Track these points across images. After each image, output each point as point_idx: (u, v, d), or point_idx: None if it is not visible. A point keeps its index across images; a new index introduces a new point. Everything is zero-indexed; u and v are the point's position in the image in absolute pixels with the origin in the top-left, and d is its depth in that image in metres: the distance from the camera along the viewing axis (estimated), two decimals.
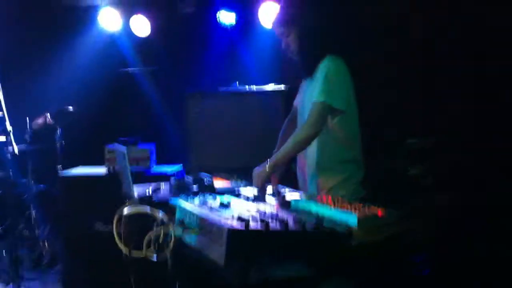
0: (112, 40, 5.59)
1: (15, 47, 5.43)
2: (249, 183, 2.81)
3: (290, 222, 1.94)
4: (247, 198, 2.56)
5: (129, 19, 5.41)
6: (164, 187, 3.12)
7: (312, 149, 2.83)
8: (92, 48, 5.56)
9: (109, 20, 5.43)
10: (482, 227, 3.65)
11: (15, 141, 4.56)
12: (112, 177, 4.28)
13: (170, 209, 2.50)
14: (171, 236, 2.29)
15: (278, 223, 1.93)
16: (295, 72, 2.98)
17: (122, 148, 3.19)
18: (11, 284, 4.34)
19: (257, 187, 2.68)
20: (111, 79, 5.56)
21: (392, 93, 4.20)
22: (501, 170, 3.77)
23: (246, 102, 4.31)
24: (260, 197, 2.59)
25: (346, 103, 2.74)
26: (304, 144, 2.75)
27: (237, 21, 5.18)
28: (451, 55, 4.11)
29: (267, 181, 2.70)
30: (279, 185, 2.83)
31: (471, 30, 3.95)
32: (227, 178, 3.10)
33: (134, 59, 5.68)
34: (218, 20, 5.15)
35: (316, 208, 2.18)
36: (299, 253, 1.87)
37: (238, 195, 2.66)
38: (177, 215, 2.39)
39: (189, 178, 2.93)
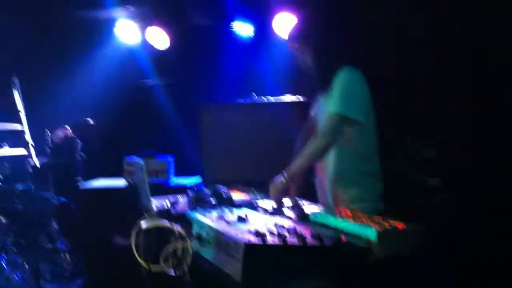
0: (129, 53, 5.63)
1: (34, 60, 5.50)
2: (267, 195, 2.80)
3: (308, 237, 1.91)
4: (265, 211, 2.54)
5: (145, 31, 5.45)
6: (182, 199, 3.11)
7: (330, 161, 2.80)
8: (109, 61, 5.61)
9: (126, 32, 5.48)
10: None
11: (35, 154, 4.60)
12: (131, 190, 4.29)
13: (188, 222, 2.49)
14: (189, 250, 2.29)
15: (295, 238, 1.90)
16: (310, 85, 2.95)
17: (140, 161, 3.19)
18: None
19: (274, 199, 2.66)
20: (129, 91, 5.61)
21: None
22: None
23: (262, 114, 4.28)
24: (277, 210, 2.56)
25: (363, 114, 2.71)
26: (318, 155, 2.72)
27: (253, 31, 5.18)
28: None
29: (285, 193, 2.68)
30: (297, 197, 2.80)
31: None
32: (244, 191, 3.09)
33: (151, 71, 5.72)
34: (233, 31, 5.16)
35: (334, 221, 2.15)
36: (317, 268, 1.83)
37: (255, 208, 2.64)
38: (194, 228, 2.37)
39: (207, 191, 2.93)
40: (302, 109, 3.18)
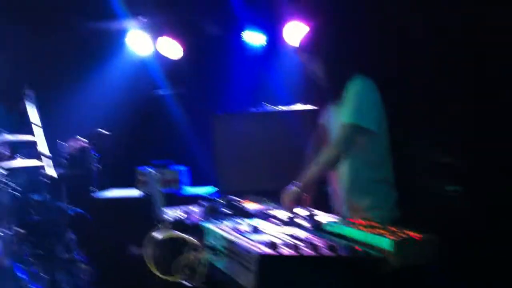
0: (142, 63, 5.67)
1: (48, 72, 5.56)
2: (280, 205, 2.79)
3: (322, 247, 1.90)
4: (278, 221, 2.53)
5: (156, 41, 5.49)
6: (196, 209, 3.12)
7: (344, 170, 2.80)
8: (122, 71, 5.66)
9: (138, 43, 5.52)
10: (502, 235, 3.56)
11: (50, 165, 4.63)
12: (145, 200, 4.32)
13: (201, 233, 2.49)
14: (203, 261, 2.29)
15: (310, 248, 1.90)
16: (319, 94, 2.95)
17: (153, 171, 3.22)
18: None
19: (287, 209, 2.66)
20: (142, 101, 5.65)
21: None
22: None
23: (274, 123, 4.28)
24: (291, 220, 2.56)
25: (376, 123, 2.70)
26: (331, 165, 2.72)
27: (264, 41, 5.20)
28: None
29: (297, 202, 2.68)
30: (311, 207, 2.79)
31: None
32: (257, 200, 3.08)
33: (164, 81, 5.75)
34: (244, 41, 5.18)
35: (349, 231, 2.13)
36: (332, 279, 1.82)
37: (269, 218, 2.64)
38: (208, 239, 2.38)
39: (220, 201, 2.93)
40: (313, 118, 3.17)
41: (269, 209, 2.82)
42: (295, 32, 4.82)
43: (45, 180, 4.62)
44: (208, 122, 4.51)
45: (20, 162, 4.64)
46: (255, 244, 1.94)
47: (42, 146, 4.58)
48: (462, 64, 3.96)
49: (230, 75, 5.32)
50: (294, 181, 2.69)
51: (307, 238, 2.05)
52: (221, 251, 2.17)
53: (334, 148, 2.70)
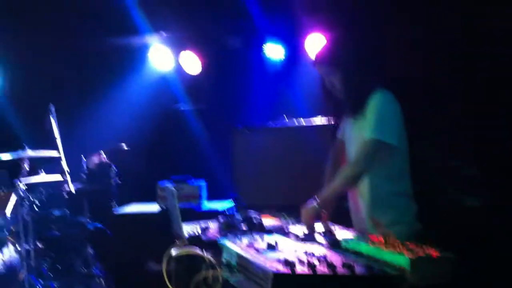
0: (162, 78, 5.71)
1: (69, 87, 5.65)
2: (298, 220, 2.76)
3: (339, 265, 1.86)
4: (296, 237, 2.50)
5: (178, 56, 5.51)
6: (214, 225, 3.10)
7: (365, 185, 2.75)
8: (143, 87, 5.70)
9: (159, 58, 5.56)
10: None
11: (71, 180, 4.68)
12: (164, 215, 4.31)
13: (218, 249, 2.47)
14: (219, 278, 2.27)
15: (326, 266, 1.86)
16: (337, 107, 2.90)
17: (171, 186, 3.21)
18: None
19: (306, 224, 2.62)
20: (162, 116, 5.68)
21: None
22: None
23: (293, 137, 4.22)
24: (309, 236, 2.52)
25: (398, 138, 2.66)
26: (353, 181, 2.68)
27: (284, 54, 5.19)
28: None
29: (317, 218, 2.64)
30: (330, 222, 2.75)
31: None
32: (275, 216, 3.05)
33: (184, 96, 5.77)
34: (264, 54, 5.18)
35: (367, 248, 2.09)
36: None
37: (286, 234, 2.61)
38: (224, 256, 2.35)
39: (238, 216, 2.91)
40: (333, 132, 3.14)
41: (287, 225, 2.79)
42: (316, 44, 4.80)
43: (65, 195, 4.66)
44: (228, 136, 4.50)
45: (40, 178, 4.70)
46: (270, 262, 1.91)
47: (63, 162, 4.62)
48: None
49: (250, 88, 5.31)
50: (314, 197, 2.65)
51: (323, 256, 2.01)
52: (236, 268, 2.15)
53: (356, 165, 2.66)
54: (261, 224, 2.80)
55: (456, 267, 1.86)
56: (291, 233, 2.61)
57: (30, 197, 4.58)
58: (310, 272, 1.79)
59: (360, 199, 2.82)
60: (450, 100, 4.13)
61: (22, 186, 4.45)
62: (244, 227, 2.79)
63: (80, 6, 5.09)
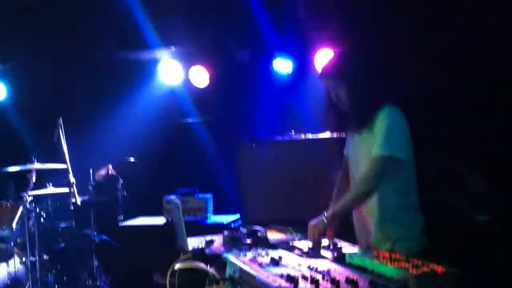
0: (171, 92, 5.73)
1: (78, 100, 5.68)
2: (304, 235, 2.73)
3: (342, 281, 1.84)
4: (301, 252, 2.48)
5: (187, 70, 5.54)
6: (219, 239, 3.08)
7: (373, 200, 2.72)
8: (150, 100, 5.72)
9: (168, 72, 5.59)
10: None
11: (78, 192, 4.69)
12: (170, 228, 4.31)
13: (222, 263, 2.46)
14: None
15: (329, 282, 1.84)
16: (342, 122, 2.88)
17: (177, 200, 3.21)
18: None
19: (312, 240, 2.60)
20: (169, 130, 5.69)
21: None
22: None
23: (300, 151, 4.21)
24: (314, 251, 2.50)
25: (406, 152, 2.65)
26: (364, 198, 2.67)
27: (293, 68, 5.19)
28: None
29: (324, 234, 2.62)
30: (335, 237, 2.73)
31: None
32: (281, 230, 3.03)
33: (192, 109, 5.79)
34: (273, 68, 5.18)
35: (371, 264, 2.07)
36: None
37: (291, 248, 2.58)
38: (228, 270, 2.34)
39: (243, 230, 2.89)
40: (340, 146, 3.11)
41: (293, 240, 2.77)
42: (325, 60, 4.79)
43: (72, 207, 4.67)
44: (235, 150, 4.49)
45: (47, 190, 4.71)
46: (274, 278, 1.90)
47: (70, 174, 4.64)
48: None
49: (258, 102, 5.31)
50: (322, 212, 2.63)
51: (327, 271, 1.99)
52: (240, 283, 2.13)
53: (366, 183, 2.64)
54: (266, 238, 2.78)
55: (461, 282, 1.83)
56: (296, 247, 2.59)
57: (37, 209, 4.59)
58: None
59: (367, 212, 2.79)
60: (453, 105, 4.11)
61: (28, 198, 4.46)
62: (248, 241, 2.77)
63: (91, 19, 5.13)
